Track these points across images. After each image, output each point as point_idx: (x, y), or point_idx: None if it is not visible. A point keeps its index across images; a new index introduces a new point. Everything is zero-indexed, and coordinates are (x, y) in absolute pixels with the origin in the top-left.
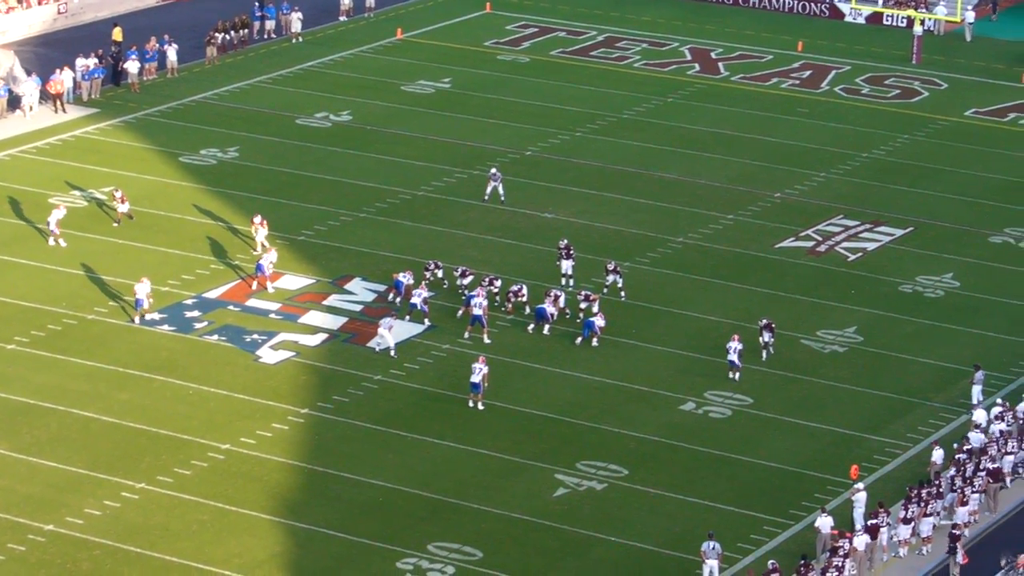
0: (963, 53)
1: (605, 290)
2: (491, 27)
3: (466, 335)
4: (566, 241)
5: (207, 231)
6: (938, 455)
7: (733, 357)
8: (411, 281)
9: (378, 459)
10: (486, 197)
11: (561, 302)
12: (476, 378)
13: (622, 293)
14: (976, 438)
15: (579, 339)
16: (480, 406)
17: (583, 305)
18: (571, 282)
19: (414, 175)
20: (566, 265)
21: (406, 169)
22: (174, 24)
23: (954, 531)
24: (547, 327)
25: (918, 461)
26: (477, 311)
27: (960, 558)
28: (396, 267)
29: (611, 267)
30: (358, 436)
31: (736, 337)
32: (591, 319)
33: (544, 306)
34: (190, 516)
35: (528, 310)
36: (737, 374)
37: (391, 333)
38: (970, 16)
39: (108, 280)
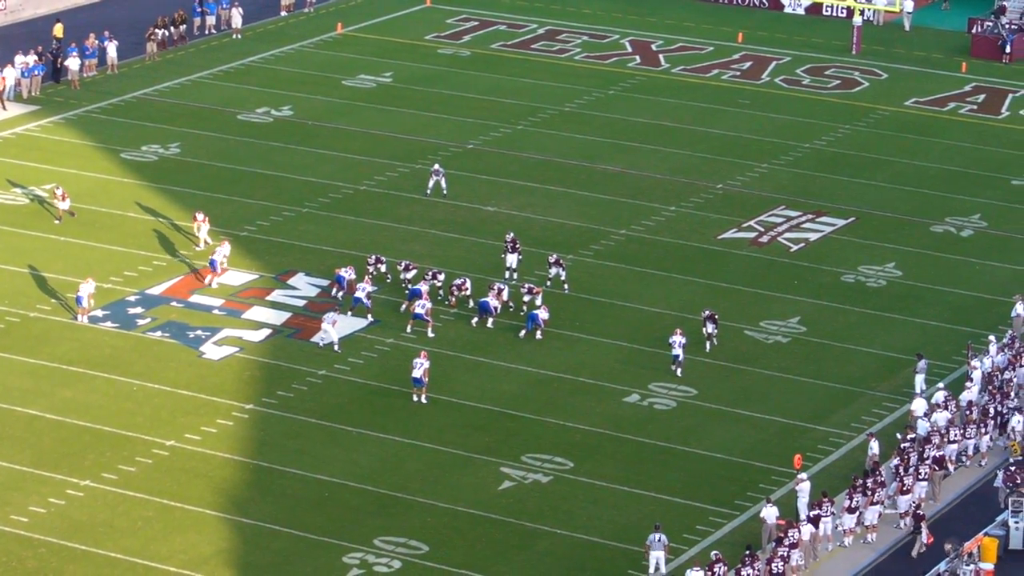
0: (903, 43)
1: (548, 283)
2: (432, 21)
3: (409, 329)
4: (512, 235)
5: (149, 227)
6: (875, 446)
7: (677, 351)
8: (353, 276)
9: (323, 454)
10: (428, 191)
11: (504, 295)
12: (417, 372)
13: (565, 286)
14: (923, 426)
15: (523, 332)
16: (424, 400)
17: (527, 298)
18: (515, 275)
19: (356, 170)
20: (511, 259)
21: (348, 164)
22: (114, 20)
23: (919, 511)
24: (491, 320)
25: (862, 450)
26: (419, 310)
27: (925, 538)
28: (339, 262)
29: (553, 260)
30: (303, 431)
31: (679, 331)
32: (535, 312)
33: (487, 300)
34: (135, 513)
35: (472, 304)
36: (679, 369)
37: (335, 328)
38: (909, 5)
39: (50, 278)
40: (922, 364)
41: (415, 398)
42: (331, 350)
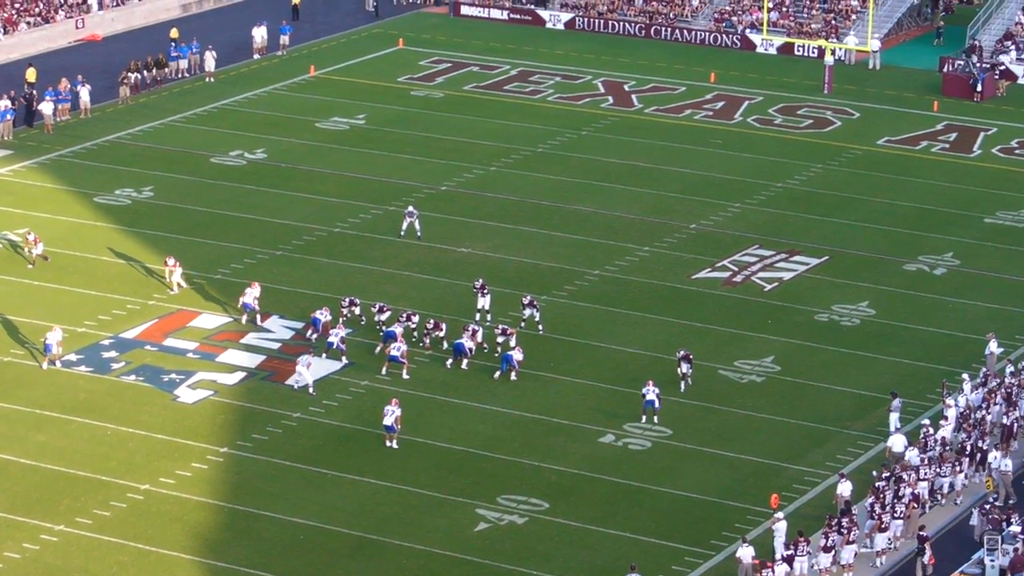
0: (874, 82)
1: (522, 324)
2: (404, 63)
3: (384, 371)
4: (481, 280)
5: (123, 271)
6: (845, 487)
7: (652, 397)
8: (328, 318)
9: (299, 497)
10: (402, 233)
11: (479, 337)
12: (389, 420)
13: (540, 327)
14: (913, 457)
15: (497, 373)
16: (395, 445)
17: (501, 339)
18: (488, 317)
19: (330, 212)
20: (482, 302)
21: (322, 206)
22: (87, 65)
23: (921, 532)
24: (465, 362)
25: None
26: (395, 352)
27: (927, 558)
28: (313, 305)
29: (527, 301)
30: (278, 474)
31: (651, 383)
32: (509, 353)
33: (462, 341)
34: (110, 558)
35: (446, 345)
36: (656, 417)
37: (309, 370)
38: (875, 44)
39: (24, 322)
40: (896, 403)
41: (387, 443)
42: (305, 393)
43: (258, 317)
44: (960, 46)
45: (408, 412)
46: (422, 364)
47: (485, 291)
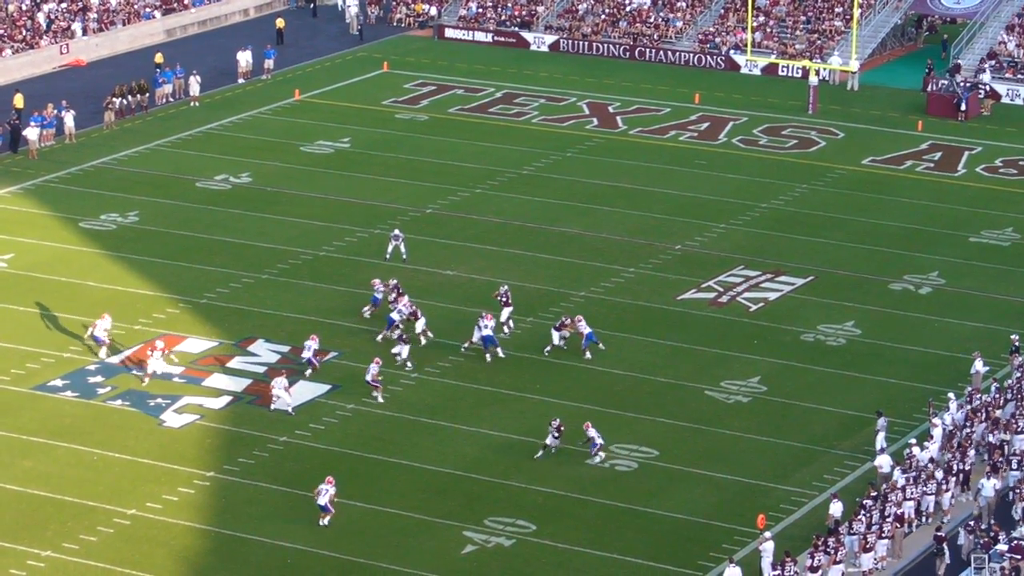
0: (859, 102)
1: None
2: (389, 86)
3: (379, 397)
4: (505, 287)
5: (108, 296)
6: (836, 508)
7: (488, 333)
8: (318, 347)
9: (286, 521)
10: (387, 256)
11: (492, 321)
12: (323, 500)
13: (505, 329)
14: (899, 477)
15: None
16: (327, 523)
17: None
18: (505, 329)
19: (315, 235)
20: (505, 313)
21: (307, 229)
22: (71, 90)
23: (939, 533)
24: (499, 351)
25: (824, 509)
26: (368, 377)
27: (948, 558)
28: (299, 328)
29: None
30: (265, 498)
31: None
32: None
33: (489, 334)
34: None
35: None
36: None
37: (288, 392)
38: (855, 65)
39: (8, 347)
40: (882, 421)
41: (321, 522)
42: (286, 415)
43: (103, 350)
44: (944, 66)
45: (395, 434)
46: (407, 387)
47: (508, 300)
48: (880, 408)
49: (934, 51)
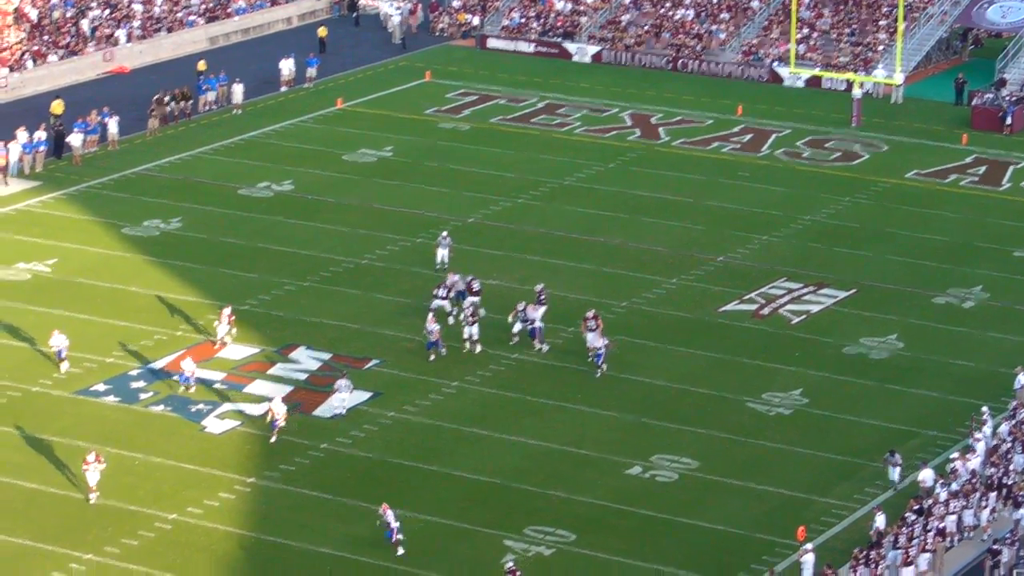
0: (903, 115)
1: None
2: (432, 95)
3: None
4: (541, 285)
5: (151, 302)
6: (880, 519)
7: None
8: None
9: (326, 527)
10: (438, 264)
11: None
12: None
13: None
14: (940, 491)
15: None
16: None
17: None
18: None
19: (357, 243)
20: (541, 312)
21: (349, 238)
22: (115, 97)
23: (994, 547)
24: (542, 346)
25: (865, 522)
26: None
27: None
28: (340, 336)
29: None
30: (306, 505)
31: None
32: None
33: (534, 327)
34: None
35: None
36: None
37: (351, 394)
38: (899, 78)
39: (51, 352)
40: (896, 458)
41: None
42: (338, 418)
43: (63, 365)
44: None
45: (435, 442)
46: (448, 395)
47: (543, 298)
48: (922, 423)
49: (980, 65)
